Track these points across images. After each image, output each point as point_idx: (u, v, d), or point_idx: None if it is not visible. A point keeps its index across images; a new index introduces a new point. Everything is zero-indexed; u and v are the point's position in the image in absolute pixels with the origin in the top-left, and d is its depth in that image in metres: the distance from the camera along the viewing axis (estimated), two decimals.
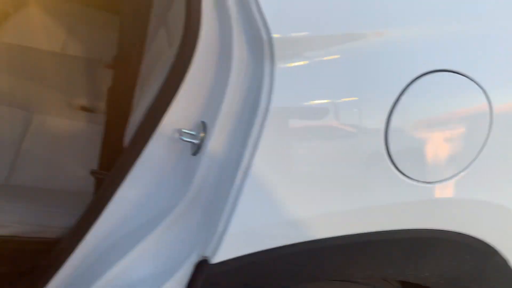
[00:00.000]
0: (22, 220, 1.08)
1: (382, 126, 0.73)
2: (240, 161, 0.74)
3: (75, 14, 1.91)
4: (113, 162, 0.90)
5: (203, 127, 0.79)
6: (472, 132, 0.77)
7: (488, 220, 0.85)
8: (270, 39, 0.70)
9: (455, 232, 0.83)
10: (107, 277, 0.85)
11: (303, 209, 0.77)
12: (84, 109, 1.50)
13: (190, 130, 0.80)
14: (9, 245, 1.08)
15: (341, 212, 0.78)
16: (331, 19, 0.72)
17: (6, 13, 1.87)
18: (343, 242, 0.80)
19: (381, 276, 0.92)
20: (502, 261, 0.89)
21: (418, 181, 0.77)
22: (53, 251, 0.97)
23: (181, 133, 0.80)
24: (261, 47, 0.71)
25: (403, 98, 0.73)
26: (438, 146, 0.76)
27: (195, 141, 0.79)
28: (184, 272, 0.80)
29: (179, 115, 0.81)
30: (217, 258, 0.77)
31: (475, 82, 0.74)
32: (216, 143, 0.78)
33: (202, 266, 0.79)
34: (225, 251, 0.77)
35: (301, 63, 0.72)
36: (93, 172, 1.08)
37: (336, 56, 0.72)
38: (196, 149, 0.79)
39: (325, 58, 0.72)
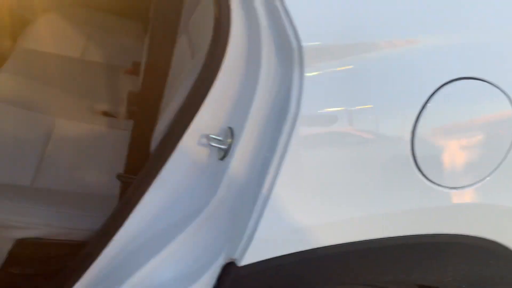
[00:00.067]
0: (48, 222, 1.09)
1: (408, 132, 0.75)
2: (268, 166, 0.75)
3: (94, 20, 1.94)
4: (139, 166, 0.91)
5: (231, 132, 0.81)
6: (497, 138, 0.78)
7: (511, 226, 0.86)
8: (300, 47, 0.71)
9: (479, 238, 0.84)
10: (134, 279, 0.86)
11: (329, 214, 0.78)
12: (106, 114, 1.52)
13: (218, 135, 0.82)
14: (36, 247, 1.09)
15: (366, 217, 0.79)
16: (359, 28, 0.74)
17: (26, 19, 1.91)
18: (367, 247, 0.81)
19: (405, 280, 0.93)
20: None
21: (443, 186, 0.78)
22: (79, 253, 0.98)
23: (209, 138, 0.82)
24: (290, 55, 0.72)
25: (429, 105, 0.74)
26: (463, 152, 0.78)
27: (223, 146, 0.81)
28: (211, 274, 0.82)
29: (207, 120, 0.82)
30: (244, 261, 0.79)
31: (500, 89, 0.76)
32: (243, 148, 0.79)
33: (229, 268, 0.81)
34: (253, 254, 0.78)
35: (332, 70, 0.73)
36: (119, 176, 1.09)
37: (360, 65, 0.74)
38: (224, 154, 0.81)
39: (350, 67, 0.73)
